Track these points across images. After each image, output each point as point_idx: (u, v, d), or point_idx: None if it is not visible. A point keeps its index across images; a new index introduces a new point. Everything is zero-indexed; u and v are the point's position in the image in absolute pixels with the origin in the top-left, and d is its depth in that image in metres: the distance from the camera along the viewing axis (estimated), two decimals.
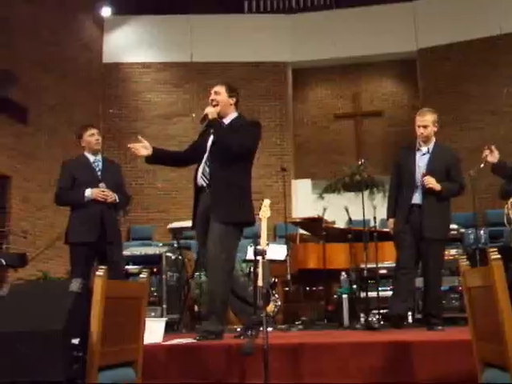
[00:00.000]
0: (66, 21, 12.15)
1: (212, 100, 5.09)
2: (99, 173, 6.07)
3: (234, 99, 5.18)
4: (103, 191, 5.89)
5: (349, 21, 13.45)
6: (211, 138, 5.07)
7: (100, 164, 6.12)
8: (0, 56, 9.84)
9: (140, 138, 5.06)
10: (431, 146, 5.85)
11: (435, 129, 5.82)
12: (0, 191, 10.11)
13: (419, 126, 5.79)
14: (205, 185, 4.98)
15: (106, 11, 13.62)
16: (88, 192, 5.87)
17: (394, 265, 6.12)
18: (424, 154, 5.84)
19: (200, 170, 5.04)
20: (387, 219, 6.07)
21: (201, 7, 13.54)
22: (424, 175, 5.65)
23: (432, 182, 5.62)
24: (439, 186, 5.63)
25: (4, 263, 6.72)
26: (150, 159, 5.12)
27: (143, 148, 5.03)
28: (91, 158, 6.11)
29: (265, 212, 4.83)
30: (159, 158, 5.24)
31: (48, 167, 10.85)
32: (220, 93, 5.11)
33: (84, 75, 12.76)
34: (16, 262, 7.10)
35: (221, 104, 5.07)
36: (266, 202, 4.95)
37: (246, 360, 3.80)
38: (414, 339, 4.12)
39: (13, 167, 10.18)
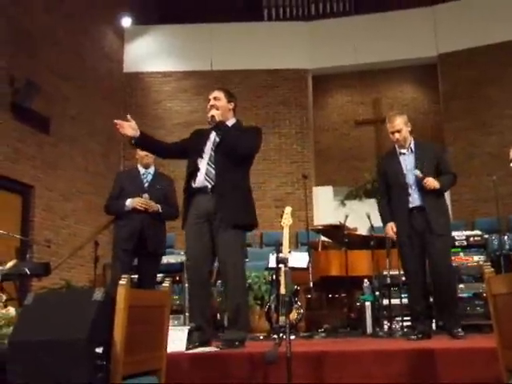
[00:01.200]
0: (87, 31, 12.26)
1: (212, 106, 5.09)
2: (146, 184, 6.31)
3: (233, 104, 5.21)
4: (145, 201, 6.09)
5: (368, 27, 13.43)
6: (211, 139, 5.06)
7: (150, 176, 6.38)
8: (22, 66, 9.95)
9: (129, 117, 4.96)
10: (412, 145, 5.65)
11: (409, 129, 5.67)
12: (23, 201, 10.20)
13: (392, 133, 5.62)
14: (209, 186, 4.92)
15: (126, 21, 13.77)
16: (128, 201, 6.11)
17: None
18: (407, 155, 5.63)
19: (202, 171, 4.97)
20: (386, 223, 5.69)
21: (220, 16, 13.61)
22: (422, 178, 5.39)
23: (432, 184, 5.38)
24: (438, 184, 5.40)
25: (28, 272, 6.76)
26: (137, 141, 5.01)
27: (130, 128, 4.93)
28: (142, 170, 6.40)
29: (286, 220, 4.84)
30: (146, 142, 5.18)
31: (70, 177, 10.95)
32: (219, 98, 5.12)
33: (105, 85, 12.86)
34: (40, 270, 7.13)
35: (220, 109, 5.07)
36: (288, 209, 4.96)
37: (269, 368, 3.78)
38: (437, 347, 4.08)
39: (36, 177, 10.27)
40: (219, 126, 4.98)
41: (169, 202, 6.31)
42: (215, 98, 5.12)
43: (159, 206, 6.16)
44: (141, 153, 6.28)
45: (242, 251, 5.02)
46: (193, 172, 5.03)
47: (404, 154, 5.62)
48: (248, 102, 13.61)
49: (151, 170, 6.42)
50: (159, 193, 6.27)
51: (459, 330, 5.29)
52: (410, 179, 5.51)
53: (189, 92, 13.76)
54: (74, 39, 11.73)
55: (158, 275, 7.01)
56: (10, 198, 9.93)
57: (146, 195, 6.16)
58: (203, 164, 5.00)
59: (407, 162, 5.58)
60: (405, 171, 5.55)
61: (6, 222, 9.25)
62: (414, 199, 5.49)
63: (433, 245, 5.39)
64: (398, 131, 5.58)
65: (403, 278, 6.56)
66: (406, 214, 5.49)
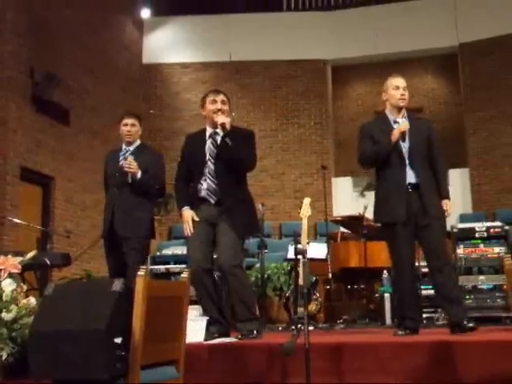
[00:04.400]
0: (106, 23, 12.30)
1: (220, 110, 4.92)
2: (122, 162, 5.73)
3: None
4: (129, 162, 5.56)
5: (388, 17, 13.32)
6: (207, 149, 4.94)
7: (130, 151, 5.80)
8: (42, 58, 10.01)
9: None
10: (405, 114, 5.05)
11: None
12: (44, 192, 10.28)
13: (400, 88, 4.99)
14: (212, 201, 4.86)
15: (145, 13, 13.82)
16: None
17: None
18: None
19: (204, 185, 4.89)
20: (389, 143, 4.93)
21: (239, 6, 13.60)
22: (403, 133, 4.83)
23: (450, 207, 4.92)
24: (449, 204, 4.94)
25: (48, 263, 6.82)
26: None
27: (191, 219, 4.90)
28: (124, 148, 5.88)
29: (305, 211, 4.81)
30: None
31: (90, 168, 11.00)
32: (226, 102, 4.99)
33: (124, 76, 12.90)
34: (60, 261, 7.20)
35: (226, 113, 4.95)
36: (307, 200, 4.93)
37: (288, 359, 3.79)
38: (457, 339, 4.06)
39: (56, 168, 10.34)
40: (228, 136, 4.82)
41: (150, 173, 5.70)
42: (223, 102, 4.98)
43: (139, 171, 5.56)
44: (122, 128, 5.82)
45: (241, 252, 5.00)
46: (196, 180, 4.95)
47: (398, 122, 4.98)
48: (267, 92, 13.60)
49: (134, 146, 5.85)
50: (139, 162, 5.62)
51: (468, 321, 4.68)
52: (407, 151, 4.91)
53: (208, 83, 13.72)
54: (94, 31, 11.77)
55: (178, 266, 7.01)
56: (31, 190, 10.01)
57: (131, 157, 5.61)
58: (204, 176, 4.90)
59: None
60: (400, 140, 4.92)
61: (26, 212, 9.33)
62: (410, 175, 4.90)
63: (431, 230, 4.85)
64: (405, 89, 5.02)
65: (423, 270, 6.48)
66: (404, 191, 4.87)
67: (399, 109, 5.03)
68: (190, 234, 4.89)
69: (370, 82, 15.13)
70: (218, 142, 4.94)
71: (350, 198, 12.78)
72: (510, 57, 12.53)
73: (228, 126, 4.81)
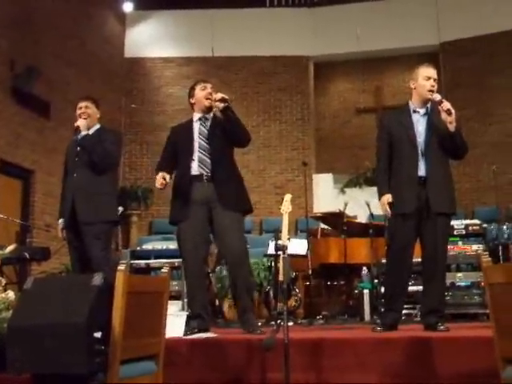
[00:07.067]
0: (88, 15, 12.22)
1: (210, 93, 5.11)
2: (78, 149, 5.62)
3: None
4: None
5: (370, 14, 13.36)
6: (196, 129, 5.10)
7: (89, 135, 5.67)
8: (23, 50, 9.92)
9: (163, 175, 4.94)
10: (429, 105, 4.99)
11: None
12: (24, 185, 10.21)
13: (431, 78, 4.96)
14: (204, 173, 4.96)
15: (127, 6, 13.71)
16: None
17: (417, 260, 5.07)
18: (421, 116, 4.98)
19: (195, 159, 4.99)
20: (382, 195, 4.91)
21: (222, 1, 13.54)
22: (440, 102, 4.76)
23: (450, 106, 4.72)
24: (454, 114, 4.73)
25: (28, 257, 6.79)
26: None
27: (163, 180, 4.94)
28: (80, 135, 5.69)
29: (286, 207, 4.84)
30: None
31: None
32: (215, 91, 5.14)
33: (106, 70, 12.83)
34: (39, 255, 7.17)
35: None
36: (288, 196, 4.96)
37: (267, 354, 3.81)
38: (434, 335, 4.10)
39: (36, 161, 10.27)
40: (225, 110, 4.93)
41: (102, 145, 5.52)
42: (213, 89, 5.19)
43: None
44: (77, 111, 5.77)
45: (244, 236, 5.14)
46: (184, 161, 5.03)
47: (418, 112, 4.98)
48: (249, 88, 13.59)
49: (93, 129, 5.71)
50: (87, 142, 5.54)
51: (444, 325, 4.67)
52: (422, 147, 4.86)
53: (190, 78, 13.64)
54: (76, 24, 11.67)
55: (158, 261, 6.97)
56: (11, 183, 9.93)
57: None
58: (195, 153, 5.02)
59: (420, 124, 4.94)
60: (416, 131, 4.89)
61: (6, 206, 9.25)
62: (421, 169, 4.83)
63: (433, 226, 4.80)
64: (435, 80, 4.97)
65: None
66: (416, 183, 4.82)
67: (425, 100, 5.00)
68: (159, 186, 4.91)
69: (351, 79, 15.18)
70: (209, 123, 5.11)
71: (330, 195, 12.82)
72: (490, 56, 12.63)
73: (228, 100, 4.92)
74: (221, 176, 4.96)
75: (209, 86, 5.20)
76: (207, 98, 5.10)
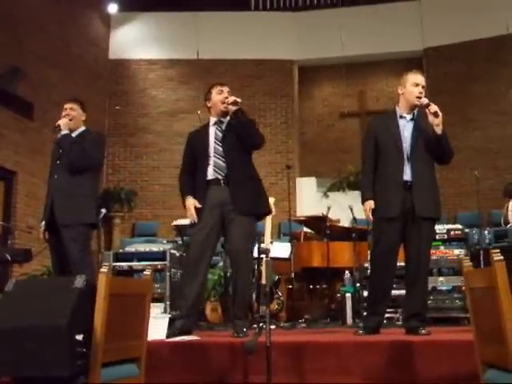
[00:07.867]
0: (72, 16, 12.17)
1: (227, 97, 5.06)
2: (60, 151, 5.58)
3: None
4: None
5: (355, 19, 13.44)
6: (212, 134, 5.07)
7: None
8: (7, 51, 9.87)
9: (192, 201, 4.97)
10: (415, 111, 5.02)
11: None
12: (6, 186, 10.14)
13: (419, 85, 4.99)
14: (220, 178, 4.94)
15: (112, 8, 13.70)
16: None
17: (399, 264, 5.07)
18: (407, 122, 5.00)
19: (211, 163, 4.97)
20: (366, 200, 4.96)
21: (207, 4, 13.54)
22: (427, 105, 4.81)
23: (437, 109, 4.76)
24: (440, 118, 4.78)
25: (9, 258, 6.73)
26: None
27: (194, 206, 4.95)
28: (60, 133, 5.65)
29: None
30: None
31: None
32: (231, 93, 5.14)
33: (90, 71, 12.79)
34: (21, 257, 7.10)
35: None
36: (271, 200, 4.97)
37: (249, 358, 3.81)
38: (416, 339, 4.13)
39: (18, 162, 10.21)
40: (237, 113, 4.97)
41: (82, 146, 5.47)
42: (229, 93, 5.14)
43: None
44: (62, 113, 5.78)
45: (252, 241, 5.17)
46: (201, 166, 5.02)
47: (405, 118, 5.02)
48: (234, 91, 13.34)
49: (77, 132, 5.68)
50: (65, 142, 5.50)
51: (426, 329, 4.70)
52: (408, 152, 4.88)
53: (175, 80, 13.71)
54: (60, 25, 11.63)
55: (141, 263, 6.94)
56: None
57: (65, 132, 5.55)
58: (210, 157, 4.99)
59: (406, 130, 4.97)
60: (402, 137, 4.92)
61: None
62: (407, 173, 4.85)
63: (417, 232, 4.82)
64: (424, 88, 5.01)
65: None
66: (401, 187, 4.83)
67: (412, 106, 5.03)
68: (195, 221, 4.91)
69: (336, 83, 15.23)
70: (224, 126, 5.08)
71: (313, 199, 12.85)
72: (473, 62, 12.74)
73: (240, 103, 4.96)
74: (236, 179, 4.93)
75: (225, 89, 5.15)
76: (223, 103, 5.06)
